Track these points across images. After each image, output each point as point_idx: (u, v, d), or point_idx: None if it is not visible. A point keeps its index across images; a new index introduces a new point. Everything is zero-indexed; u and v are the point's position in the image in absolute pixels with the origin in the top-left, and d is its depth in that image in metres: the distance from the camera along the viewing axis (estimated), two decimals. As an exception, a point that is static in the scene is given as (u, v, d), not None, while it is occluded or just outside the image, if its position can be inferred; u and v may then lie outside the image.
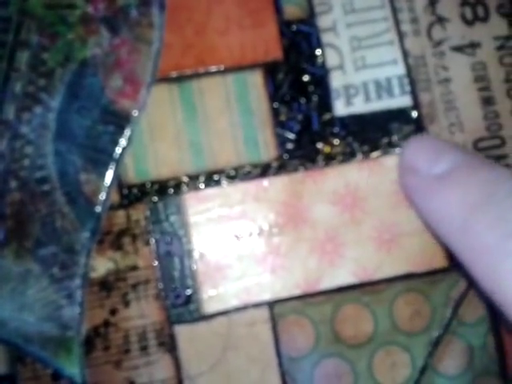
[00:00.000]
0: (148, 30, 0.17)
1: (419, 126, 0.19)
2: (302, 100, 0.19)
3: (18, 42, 0.17)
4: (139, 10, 0.17)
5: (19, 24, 0.17)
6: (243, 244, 0.18)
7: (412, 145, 0.18)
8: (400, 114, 0.19)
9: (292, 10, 0.19)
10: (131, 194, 0.18)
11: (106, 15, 0.17)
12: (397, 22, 0.20)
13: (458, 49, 0.20)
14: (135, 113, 0.17)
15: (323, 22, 0.19)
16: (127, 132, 0.17)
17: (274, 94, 0.19)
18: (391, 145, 0.19)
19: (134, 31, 0.17)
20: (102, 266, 0.18)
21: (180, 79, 0.19)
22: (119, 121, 0.17)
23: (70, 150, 0.17)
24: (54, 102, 0.17)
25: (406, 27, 0.20)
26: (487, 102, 0.20)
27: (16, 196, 0.17)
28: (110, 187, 0.17)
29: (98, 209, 0.17)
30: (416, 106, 0.19)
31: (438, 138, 0.19)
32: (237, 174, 0.19)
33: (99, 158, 0.17)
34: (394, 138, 0.19)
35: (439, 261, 0.19)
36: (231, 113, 0.19)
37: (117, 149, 0.17)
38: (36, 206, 0.17)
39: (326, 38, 0.19)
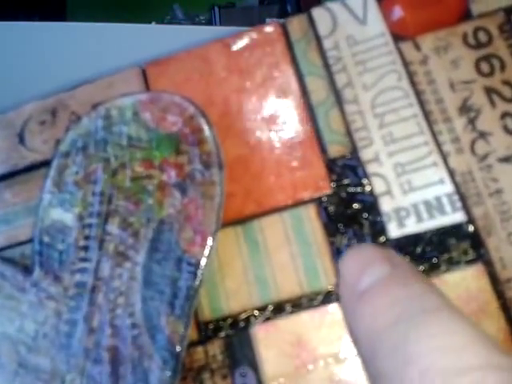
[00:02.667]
0: (211, 188, 0.20)
1: (476, 240, 0.19)
2: (355, 227, 0.20)
3: (109, 211, 0.21)
4: (202, 172, 0.20)
5: (110, 196, 0.21)
6: (313, 373, 0.19)
7: (346, 257, 0.18)
8: (455, 230, 0.20)
9: (336, 149, 0.21)
10: (207, 331, 0.20)
11: (177, 181, 0.20)
12: (438, 144, 0.21)
13: (506, 159, 0.20)
14: (205, 258, 0.20)
15: (366, 155, 0.21)
16: (199, 276, 0.20)
17: (328, 224, 0.21)
18: (451, 261, 0.19)
19: (199, 190, 0.20)
20: (185, 401, 0.19)
21: (243, 221, 0.21)
22: (192, 267, 0.20)
23: (153, 297, 0.19)
24: (140, 257, 0.20)
25: (449, 147, 0.21)
26: (547, 207, 0.19)
27: (111, 342, 0.19)
28: (186, 327, 0.19)
29: (178, 348, 0.19)
30: (470, 220, 0.20)
31: (374, 246, 0.19)
32: (301, 304, 0.20)
33: (176, 301, 0.19)
34: (454, 253, 0.20)
35: None
36: (290, 246, 0.21)
37: (191, 291, 0.19)
38: (128, 350, 0.19)
39: (370, 168, 0.21)
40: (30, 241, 0.22)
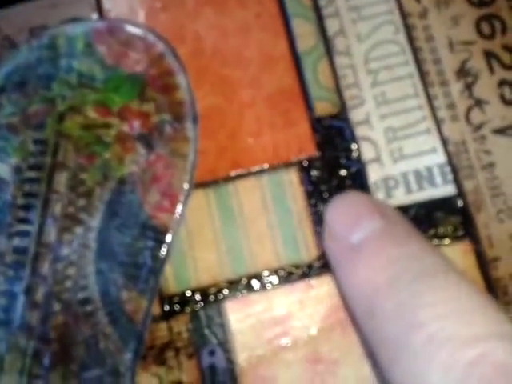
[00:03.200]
0: (183, 144, 0.17)
1: (465, 215, 0.19)
2: (341, 195, 0.19)
3: (56, 164, 0.17)
4: (173, 125, 0.17)
5: (56, 145, 0.17)
6: (289, 351, 0.18)
7: (334, 205, 0.17)
8: (444, 204, 0.19)
9: (323, 106, 0.19)
10: (172, 305, 0.18)
11: (142, 133, 0.17)
12: (433, 109, 0.19)
13: (500, 131, 0.19)
14: (173, 225, 0.17)
15: (356, 115, 0.19)
16: (166, 245, 0.17)
17: (311, 191, 0.19)
18: (438, 236, 0.18)
19: (169, 146, 0.17)
20: (146, 382, 0.17)
21: (216, 184, 0.18)
22: (158, 235, 0.17)
23: (111, 269, 0.17)
24: (94, 221, 0.17)
25: (443, 113, 0.19)
26: (536, 185, 0.19)
27: (60, 319, 0.17)
28: (151, 303, 0.17)
29: (140, 327, 0.17)
30: (460, 194, 0.19)
31: (365, 196, 0.17)
32: (278, 277, 0.18)
33: (140, 274, 0.17)
34: (441, 229, 0.19)
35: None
36: (268, 214, 0.19)
37: (157, 263, 0.17)
38: (80, 328, 0.16)
39: (359, 131, 0.19)
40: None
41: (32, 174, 0.17)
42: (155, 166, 0.17)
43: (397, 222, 0.16)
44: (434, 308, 0.13)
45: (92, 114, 0.17)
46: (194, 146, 0.17)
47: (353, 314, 0.16)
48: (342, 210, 0.16)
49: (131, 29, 0.18)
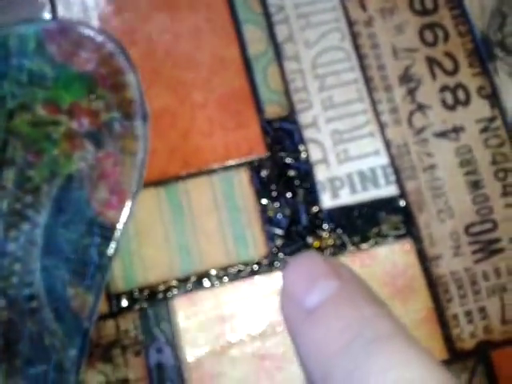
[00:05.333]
0: (132, 142, 0.17)
1: (407, 215, 0.19)
2: (289, 195, 0.19)
3: (3, 160, 0.17)
4: (122, 123, 0.17)
5: (5, 142, 0.17)
6: (237, 348, 0.18)
7: (290, 266, 0.17)
8: (387, 204, 0.19)
9: (273, 109, 0.20)
10: (119, 303, 0.18)
11: (90, 130, 0.17)
12: (377, 114, 0.20)
13: (441, 134, 0.20)
14: (121, 223, 0.17)
15: (304, 118, 0.20)
16: (114, 242, 0.17)
17: (261, 190, 0.19)
18: (381, 235, 0.19)
19: (118, 144, 0.17)
20: (92, 379, 0.17)
21: (166, 182, 0.19)
22: (106, 232, 0.17)
23: (57, 266, 0.17)
24: (41, 217, 0.17)
25: (386, 118, 0.20)
26: (475, 185, 0.20)
27: (4, 314, 0.16)
28: (97, 300, 0.17)
29: (86, 324, 0.17)
30: (403, 194, 0.19)
31: (320, 257, 0.18)
32: (227, 274, 0.18)
33: (86, 271, 0.17)
34: (384, 227, 0.19)
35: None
36: (219, 212, 0.19)
37: (104, 260, 0.17)
38: (25, 324, 0.16)
39: (307, 133, 0.20)
40: None
41: (-21, 171, 0.17)
42: (103, 164, 0.17)
43: (352, 283, 0.16)
44: (383, 374, 0.13)
45: (41, 111, 0.17)
46: (144, 144, 0.17)
47: (309, 378, 0.16)
48: (297, 272, 0.17)
49: (82, 29, 0.18)
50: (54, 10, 0.20)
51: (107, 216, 0.17)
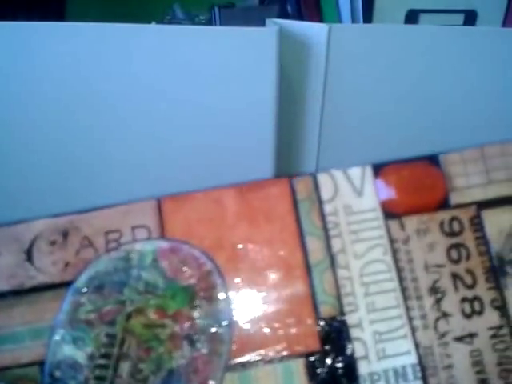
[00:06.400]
0: (220, 345, 0.22)
1: (430, 407, 0.24)
2: None
3: (121, 355, 0.22)
4: (213, 328, 0.22)
5: (122, 340, 0.22)
6: None
7: None
8: (414, 396, 0.24)
9: (327, 309, 0.25)
10: None
11: (189, 333, 0.22)
12: (409, 319, 0.25)
13: (459, 339, 0.25)
14: (207, 408, 0.22)
15: (351, 319, 0.25)
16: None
17: (313, 380, 0.24)
18: (407, 421, 0.24)
19: (208, 345, 0.22)
20: None
21: (243, 366, 0.24)
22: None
23: None
24: (148, 402, 0.22)
25: (417, 322, 0.25)
26: (483, 382, 0.24)
27: None
28: None
29: None
30: (426, 389, 0.24)
31: None
32: None
33: None
34: (410, 415, 0.24)
35: None
36: (279, 394, 0.24)
37: None
38: None
39: (354, 332, 0.25)
40: (32, 364, 0.23)
41: (102, 361, 0.22)
42: (197, 361, 0.22)
43: None
44: None
45: (152, 315, 0.23)
46: (228, 347, 0.22)
47: None
48: None
49: (188, 249, 0.23)
50: (161, 223, 0.25)
51: (197, 403, 0.22)
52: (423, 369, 0.24)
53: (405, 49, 0.36)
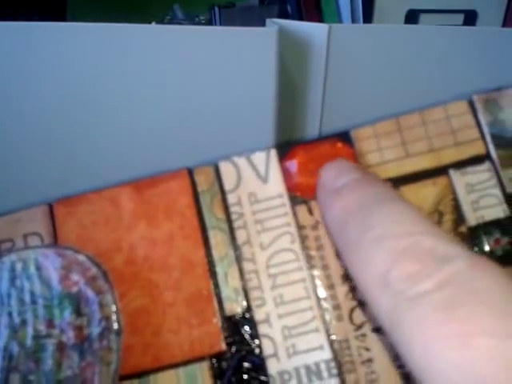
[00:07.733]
0: (108, 354, 0.21)
1: (347, 405, 0.22)
2: (244, 385, 0.22)
3: (10, 368, 0.22)
4: (101, 336, 0.21)
5: (11, 352, 0.22)
6: None
7: (326, 166, 0.23)
8: (330, 393, 0.22)
9: (232, 306, 0.23)
10: None
11: (76, 342, 0.21)
12: (321, 310, 0.23)
13: (378, 330, 0.23)
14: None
15: (259, 315, 0.23)
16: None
17: (220, 381, 0.23)
18: (324, 422, 0.22)
19: (97, 355, 0.21)
20: None
21: (139, 376, 0.23)
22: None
23: None
24: (36, 416, 0.21)
25: (330, 314, 0.23)
26: (407, 378, 0.22)
27: None
28: None
29: None
30: (343, 386, 0.22)
31: (349, 161, 0.23)
32: None
33: None
34: (326, 415, 0.22)
35: None
36: None
37: None
38: None
39: (261, 329, 0.23)
40: None
41: (-9, 376, 0.22)
42: (85, 372, 0.21)
43: (370, 174, 0.22)
44: (383, 218, 0.19)
45: (39, 326, 0.22)
46: (117, 356, 0.21)
47: (332, 237, 0.22)
48: (330, 168, 0.23)
49: (72, 254, 0.22)
50: (53, 226, 0.24)
51: (88, 415, 0.21)
52: (339, 365, 0.22)
53: (405, 49, 0.36)
